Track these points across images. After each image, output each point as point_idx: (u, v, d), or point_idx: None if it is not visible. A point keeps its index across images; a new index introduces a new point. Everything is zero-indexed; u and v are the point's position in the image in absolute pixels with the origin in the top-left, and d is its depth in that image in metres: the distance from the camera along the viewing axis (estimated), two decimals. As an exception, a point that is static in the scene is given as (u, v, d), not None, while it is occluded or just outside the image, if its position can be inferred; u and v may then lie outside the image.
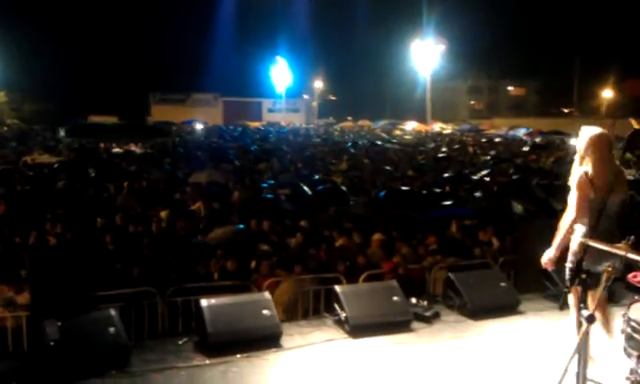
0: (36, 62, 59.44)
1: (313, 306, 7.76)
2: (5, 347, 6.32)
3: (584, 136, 5.10)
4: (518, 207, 12.60)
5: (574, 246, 5.00)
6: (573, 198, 5.07)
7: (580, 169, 5.07)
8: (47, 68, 62.66)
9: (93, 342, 5.80)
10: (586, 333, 4.03)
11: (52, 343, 5.53)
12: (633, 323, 4.59)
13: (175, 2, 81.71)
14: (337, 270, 8.47)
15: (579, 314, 5.25)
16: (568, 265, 5.17)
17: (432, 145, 40.13)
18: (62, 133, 32.35)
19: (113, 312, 6.09)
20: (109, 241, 10.00)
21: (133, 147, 33.21)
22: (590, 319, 4.04)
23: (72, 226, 11.09)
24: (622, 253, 4.21)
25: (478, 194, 14.98)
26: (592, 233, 4.91)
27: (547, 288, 7.82)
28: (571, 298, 5.35)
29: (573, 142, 38.59)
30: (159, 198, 14.32)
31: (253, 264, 8.87)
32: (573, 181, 5.07)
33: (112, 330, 5.90)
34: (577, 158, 5.18)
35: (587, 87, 67.24)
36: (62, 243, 9.86)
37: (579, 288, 4.94)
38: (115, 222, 11.70)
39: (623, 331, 4.71)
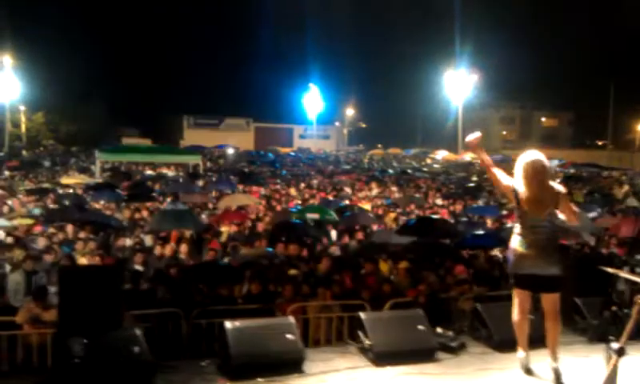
0: (73, 83, 60.52)
1: (336, 332, 7.70)
2: (29, 363, 6.39)
3: (522, 158, 5.66)
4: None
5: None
6: (503, 177, 5.82)
7: (514, 179, 5.72)
8: (84, 90, 63.93)
9: (117, 361, 5.81)
10: (615, 366, 3.94)
11: (77, 360, 5.57)
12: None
13: (211, 28, 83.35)
14: (362, 296, 8.41)
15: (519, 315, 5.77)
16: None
17: (462, 174, 39.83)
18: (96, 154, 33.12)
19: (138, 331, 6.12)
20: (138, 261, 10.13)
21: (165, 170, 33.69)
22: (620, 352, 3.95)
23: (103, 246, 11.27)
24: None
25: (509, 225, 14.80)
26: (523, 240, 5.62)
27: (576, 321, 7.64)
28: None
29: (605, 174, 38.26)
30: (188, 220, 14.43)
31: (278, 288, 8.87)
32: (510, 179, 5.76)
33: (137, 349, 5.91)
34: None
35: (622, 120, 66.28)
36: (91, 262, 10.01)
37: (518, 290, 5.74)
38: (145, 243, 11.86)
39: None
